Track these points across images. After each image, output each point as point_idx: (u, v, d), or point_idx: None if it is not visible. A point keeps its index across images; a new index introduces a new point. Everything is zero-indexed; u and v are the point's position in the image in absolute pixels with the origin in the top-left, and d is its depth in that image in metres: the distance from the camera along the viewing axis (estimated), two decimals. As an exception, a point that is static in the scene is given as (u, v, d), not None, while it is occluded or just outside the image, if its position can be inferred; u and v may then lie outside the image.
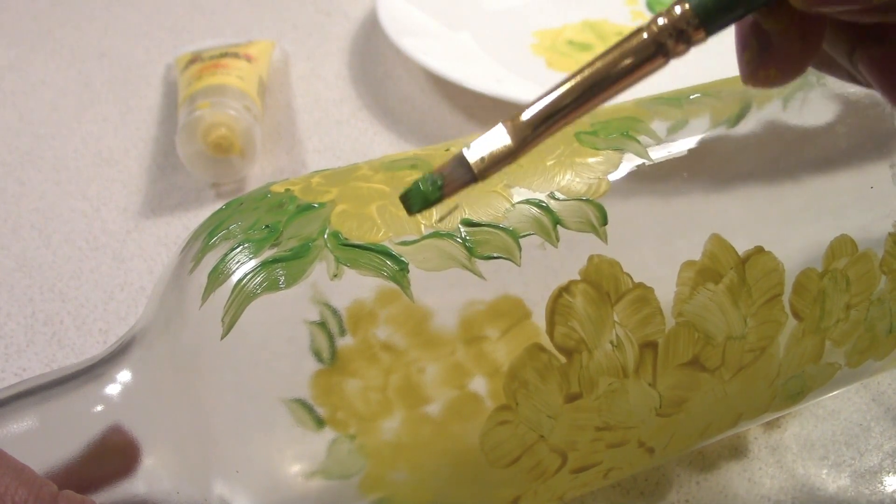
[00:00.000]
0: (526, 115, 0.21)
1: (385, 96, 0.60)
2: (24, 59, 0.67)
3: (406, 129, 0.57)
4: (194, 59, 0.57)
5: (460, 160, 0.22)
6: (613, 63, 0.21)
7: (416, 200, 0.22)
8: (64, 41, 0.69)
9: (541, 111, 0.21)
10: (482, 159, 0.21)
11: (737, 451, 0.35)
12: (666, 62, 0.21)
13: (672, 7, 0.20)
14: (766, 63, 0.21)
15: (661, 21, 0.20)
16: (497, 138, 0.21)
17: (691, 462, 0.35)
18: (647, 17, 0.66)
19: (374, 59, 0.65)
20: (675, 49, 0.20)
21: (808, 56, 0.21)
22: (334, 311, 0.24)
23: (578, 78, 0.21)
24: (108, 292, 0.45)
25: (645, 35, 0.20)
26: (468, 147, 0.22)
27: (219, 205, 0.28)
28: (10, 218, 0.51)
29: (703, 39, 0.20)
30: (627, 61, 0.21)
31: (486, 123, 0.57)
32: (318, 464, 0.24)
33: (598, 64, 0.21)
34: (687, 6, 0.20)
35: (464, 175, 0.22)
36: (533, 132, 0.21)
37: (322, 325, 0.24)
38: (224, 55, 0.57)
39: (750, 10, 0.20)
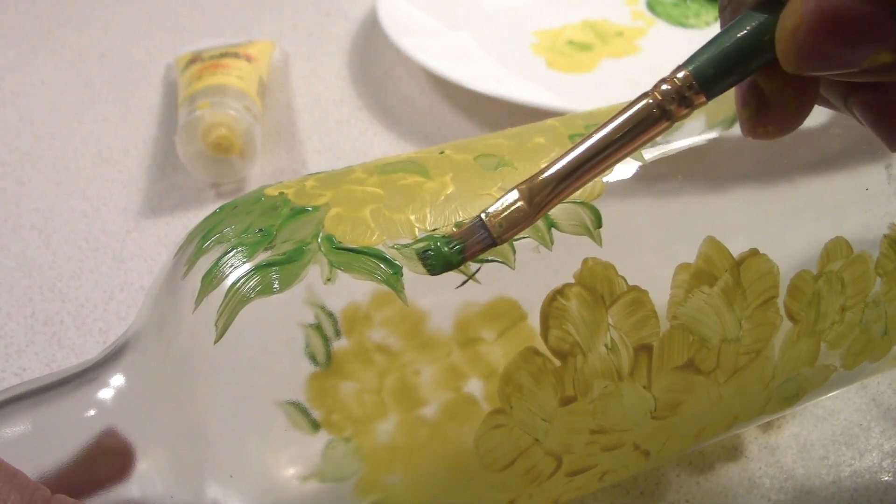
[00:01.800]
0: (538, 180, 0.23)
1: (385, 96, 0.60)
2: (24, 59, 0.67)
3: (406, 129, 0.57)
4: (194, 59, 0.57)
5: (480, 225, 0.23)
6: (620, 129, 0.22)
7: (437, 262, 0.24)
8: (64, 41, 0.69)
9: (552, 175, 0.23)
10: (500, 223, 0.23)
11: (736, 451, 0.35)
12: (671, 125, 0.22)
13: (674, 73, 0.21)
14: (764, 120, 0.22)
15: (664, 87, 0.21)
16: (513, 202, 0.23)
17: (691, 462, 0.35)
18: (646, 16, 0.66)
19: (374, 59, 0.65)
20: (679, 113, 0.22)
21: (804, 112, 0.22)
22: (329, 314, 0.24)
23: (589, 144, 0.22)
24: (108, 292, 0.45)
25: (650, 101, 0.22)
26: (486, 213, 0.23)
27: (218, 205, 0.28)
28: (10, 218, 0.51)
29: (705, 103, 0.22)
30: (634, 127, 0.22)
31: (487, 123, 0.57)
32: (313, 467, 0.24)
33: (607, 130, 0.22)
34: (687, 73, 0.21)
35: (484, 239, 0.23)
36: (547, 197, 0.23)
37: (317, 327, 0.24)
38: (224, 55, 0.57)
39: (746, 75, 0.21)
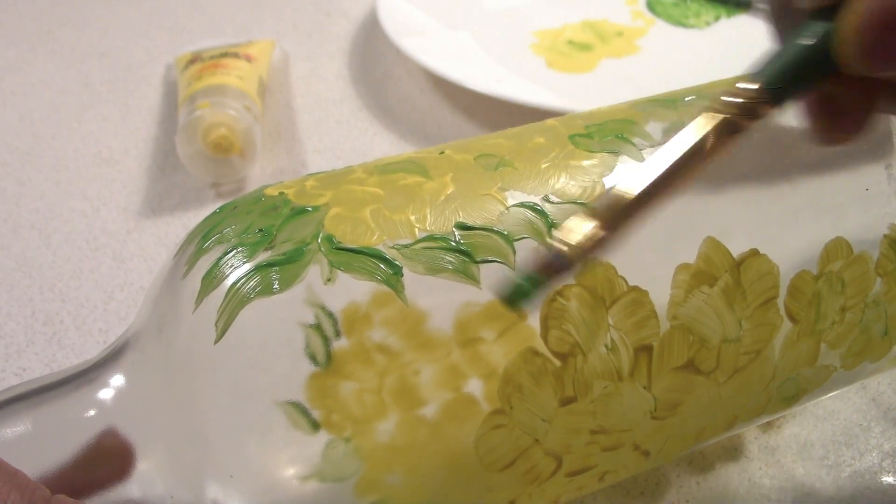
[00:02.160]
0: (613, 209, 0.22)
1: (385, 96, 0.60)
2: (24, 59, 0.67)
3: (406, 129, 0.57)
4: (194, 59, 0.57)
5: (557, 258, 0.22)
6: (697, 149, 0.21)
7: (517, 298, 0.22)
8: (64, 41, 0.69)
9: (633, 203, 0.22)
10: (579, 253, 0.22)
11: (737, 451, 0.35)
12: (741, 136, 0.22)
13: (737, 86, 0.21)
14: (838, 127, 0.22)
15: (733, 101, 0.21)
16: (587, 226, 0.22)
17: (691, 462, 0.35)
18: (647, 16, 0.66)
19: (374, 59, 0.65)
20: (749, 125, 0.21)
21: (872, 110, 0.22)
22: (329, 314, 0.24)
23: (663, 168, 0.22)
24: (108, 292, 0.45)
25: (719, 120, 0.21)
26: (561, 239, 0.22)
27: (218, 205, 0.28)
28: (10, 218, 0.51)
29: (773, 113, 0.21)
30: (709, 144, 0.21)
31: (487, 123, 0.57)
32: (313, 467, 0.24)
33: (681, 152, 0.21)
34: (758, 86, 0.21)
35: (561, 270, 0.22)
36: (624, 221, 0.22)
37: (317, 327, 0.24)
38: (224, 55, 0.57)
39: (815, 81, 0.21)
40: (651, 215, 0.22)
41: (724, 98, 0.21)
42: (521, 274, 0.22)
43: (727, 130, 0.21)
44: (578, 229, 0.22)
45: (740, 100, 0.21)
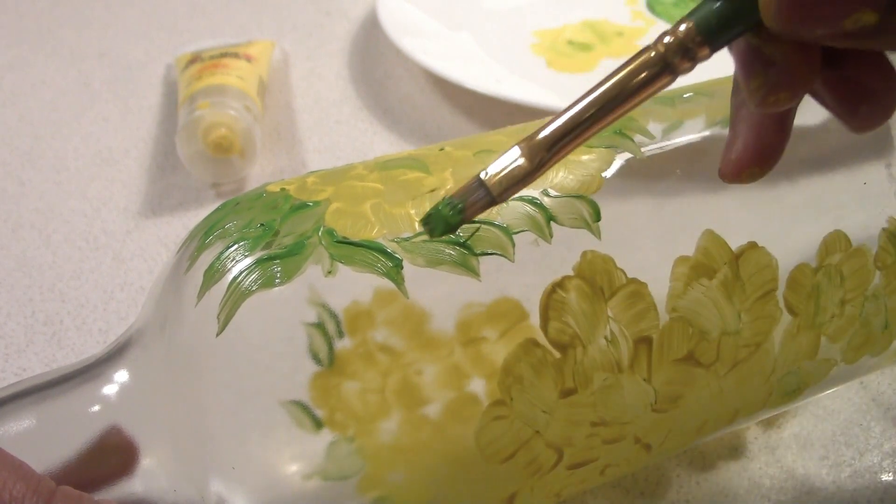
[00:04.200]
0: (540, 136, 0.22)
1: (385, 96, 0.60)
2: (24, 59, 0.67)
3: (406, 129, 0.57)
4: (194, 59, 0.57)
5: (479, 183, 0.22)
6: (623, 82, 0.22)
7: (437, 224, 0.23)
8: (64, 41, 0.69)
9: (554, 132, 0.22)
10: (500, 182, 0.22)
11: (737, 450, 0.35)
12: (673, 79, 0.22)
13: (677, 26, 0.21)
14: (774, 87, 0.22)
15: (667, 39, 0.21)
16: (513, 160, 0.22)
17: (691, 462, 0.35)
18: (647, 16, 0.66)
19: (374, 59, 0.65)
20: (681, 66, 0.21)
21: (813, 73, 0.22)
22: (332, 313, 0.24)
23: (589, 98, 0.22)
24: (108, 292, 0.45)
25: (652, 54, 0.21)
26: (486, 170, 0.22)
27: (218, 205, 0.28)
28: (10, 218, 0.51)
29: (707, 56, 0.21)
30: (637, 79, 0.21)
31: (487, 123, 0.57)
32: (316, 465, 0.24)
33: (609, 83, 0.22)
34: (691, 25, 0.21)
35: (483, 197, 0.22)
36: (548, 153, 0.22)
37: (320, 326, 0.24)
38: (224, 55, 0.57)
39: (749, 26, 0.21)
40: (576, 148, 0.22)
41: (661, 36, 0.21)
42: (449, 204, 0.23)
43: (660, 69, 0.21)
44: (507, 163, 0.22)
45: (673, 38, 0.21)
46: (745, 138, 0.24)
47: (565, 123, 0.22)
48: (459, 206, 0.23)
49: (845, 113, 0.23)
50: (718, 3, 0.21)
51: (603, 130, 0.22)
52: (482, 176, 0.22)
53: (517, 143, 0.22)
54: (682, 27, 0.21)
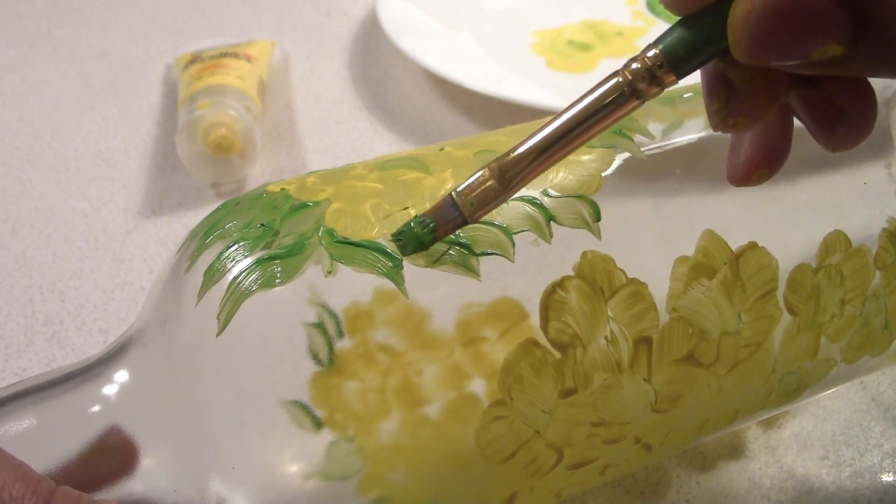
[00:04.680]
0: (510, 157, 0.23)
1: (385, 96, 0.60)
2: (24, 59, 0.67)
3: (406, 129, 0.57)
4: (194, 59, 0.57)
5: (451, 204, 0.23)
6: (592, 107, 0.22)
7: (409, 242, 0.24)
8: (64, 41, 0.69)
9: (525, 153, 0.23)
10: (471, 202, 0.23)
11: (737, 450, 0.35)
12: (641, 104, 0.22)
13: (644, 52, 0.22)
14: (733, 111, 0.22)
15: (634, 66, 0.22)
16: (484, 181, 0.23)
17: (691, 462, 0.35)
18: (647, 16, 0.66)
19: (374, 59, 0.65)
20: (649, 91, 0.22)
21: (773, 101, 0.22)
22: (332, 314, 0.24)
23: (559, 121, 0.22)
24: (108, 292, 0.45)
25: (620, 80, 0.22)
26: (456, 191, 0.23)
27: (218, 205, 0.28)
28: (10, 218, 0.51)
29: (675, 82, 0.22)
30: (604, 104, 0.22)
31: (486, 123, 0.57)
32: (316, 465, 0.24)
33: (577, 108, 0.22)
34: (657, 52, 0.21)
35: (455, 218, 0.23)
36: (517, 175, 0.23)
37: (320, 326, 0.24)
38: (224, 55, 0.57)
39: (715, 54, 0.21)
40: (544, 171, 0.23)
41: (629, 62, 0.22)
42: (421, 223, 0.23)
43: (628, 95, 0.22)
44: (478, 184, 0.23)
45: (640, 65, 0.22)
46: (751, 141, 0.24)
47: (536, 145, 0.23)
48: (431, 224, 0.23)
49: (821, 133, 0.23)
50: (685, 31, 0.21)
51: (602, 132, 0.22)
52: (453, 195, 0.23)
53: (486, 165, 0.23)
54: (650, 53, 0.21)
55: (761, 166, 0.24)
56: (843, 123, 0.22)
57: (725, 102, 0.22)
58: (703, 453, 0.35)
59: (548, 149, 0.22)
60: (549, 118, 0.23)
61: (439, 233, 0.24)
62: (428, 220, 0.24)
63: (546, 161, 0.23)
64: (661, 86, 0.22)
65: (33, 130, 0.59)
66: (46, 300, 0.45)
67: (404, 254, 0.24)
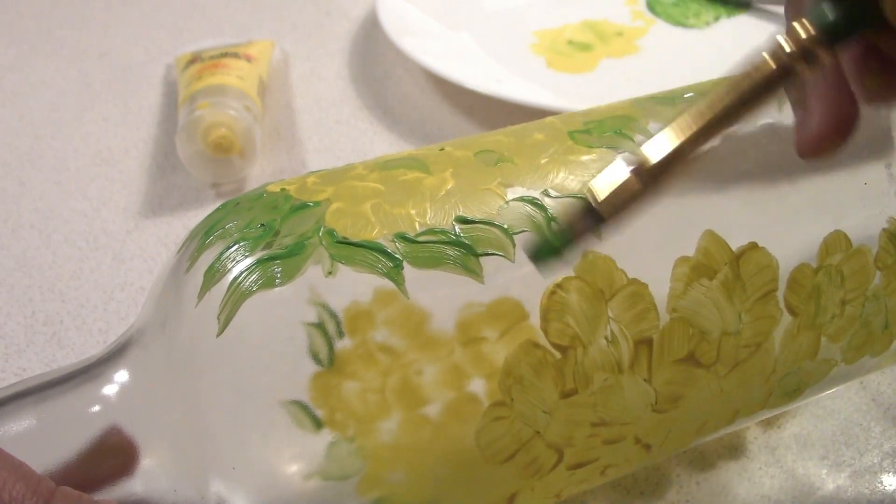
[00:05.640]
0: (656, 157, 0.21)
1: (385, 96, 0.60)
2: (24, 59, 0.67)
3: (406, 129, 0.57)
4: (194, 59, 0.57)
5: (588, 210, 0.21)
6: (745, 96, 0.21)
7: (544, 253, 0.22)
8: (64, 41, 0.69)
9: (672, 153, 0.21)
10: (609, 203, 0.21)
11: (736, 450, 0.35)
12: (788, 85, 0.21)
13: (794, 31, 0.20)
14: (891, 83, 0.21)
15: (787, 47, 0.20)
16: (622, 178, 0.21)
17: (691, 462, 0.35)
18: (647, 16, 0.66)
19: (374, 59, 0.65)
20: (804, 73, 0.21)
21: None
22: (332, 314, 0.24)
23: (709, 116, 0.21)
24: (108, 292, 0.45)
25: (773, 63, 0.20)
26: (593, 191, 0.21)
27: (218, 205, 0.28)
28: (10, 218, 0.51)
29: (829, 60, 0.20)
30: (758, 91, 0.21)
31: (487, 123, 0.57)
32: (316, 465, 0.24)
33: (730, 99, 0.21)
34: (813, 30, 0.20)
35: (592, 223, 0.21)
36: (664, 173, 0.21)
37: (320, 326, 0.24)
38: (224, 55, 0.57)
39: (872, 25, 0.20)
40: (692, 165, 0.21)
41: (779, 40, 0.21)
42: (557, 233, 0.22)
43: (782, 76, 0.21)
44: (615, 181, 0.21)
45: (797, 46, 0.20)
46: (820, 112, 0.23)
47: (684, 144, 0.21)
48: (569, 234, 0.22)
49: (869, 80, 0.22)
50: (840, 5, 0.20)
51: (604, 130, 0.22)
52: (590, 199, 0.21)
53: (630, 166, 0.21)
54: (802, 32, 0.20)
55: (835, 136, 0.23)
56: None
57: (881, 76, 0.21)
58: (703, 453, 0.35)
59: (695, 142, 0.21)
60: (691, 108, 0.21)
61: (577, 239, 0.22)
62: (565, 229, 0.22)
63: (692, 155, 0.21)
64: (818, 64, 0.21)
65: (33, 130, 0.59)
66: (46, 300, 0.45)
67: (538, 264, 0.22)
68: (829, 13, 0.20)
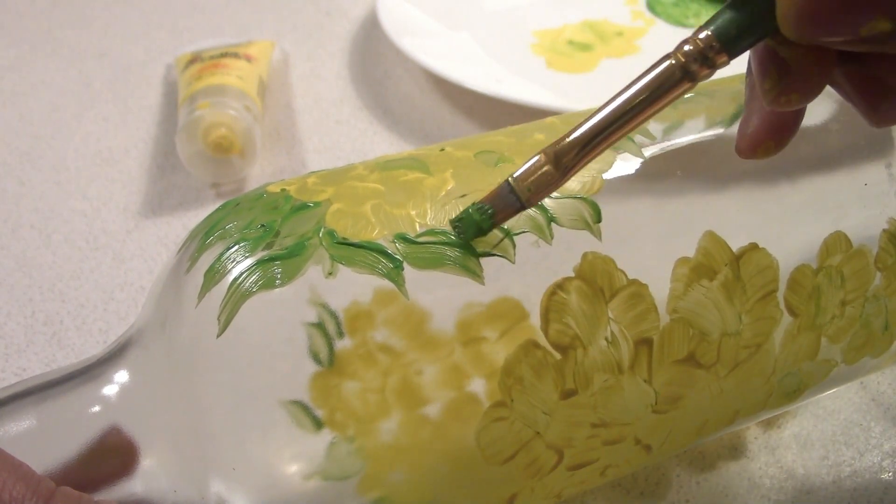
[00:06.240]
0: (564, 143, 0.23)
1: (385, 96, 0.60)
2: (24, 59, 0.67)
3: (406, 129, 0.57)
4: (194, 59, 0.57)
5: (508, 189, 0.24)
6: (645, 90, 0.22)
7: (468, 227, 0.24)
8: (64, 41, 0.69)
9: (578, 138, 0.23)
10: (528, 188, 0.23)
11: (737, 450, 0.35)
12: (693, 86, 0.22)
13: (696, 34, 0.22)
14: (786, 89, 0.22)
15: (686, 48, 0.22)
16: (539, 166, 0.23)
17: (691, 462, 0.35)
18: (647, 16, 0.66)
19: (374, 59, 0.65)
20: (701, 73, 0.22)
21: (824, 77, 0.22)
22: (332, 314, 0.24)
23: (614, 106, 0.23)
24: (108, 292, 0.45)
25: (672, 62, 0.22)
26: (513, 177, 0.24)
27: (218, 205, 0.28)
28: (10, 218, 0.51)
29: (726, 63, 0.22)
30: (657, 87, 0.22)
31: (487, 123, 0.57)
32: (316, 465, 0.24)
33: (630, 92, 0.23)
34: (709, 33, 0.22)
35: (513, 203, 0.24)
36: (573, 159, 0.23)
37: (320, 326, 0.24)
38: (224, 55, 0.57)
39: (766, 33, 0.22)
40: (599, 154, 0.23)
41: (681, 45, 0.22)
42: (480, 209, 0.24)
43: (680, 77, 0.22)
44: (534, 169, 0.23)
45: (692, 47, 0.22)
46: (760, 114, 0.24)
47: (591, 129, 0.23)
48: (490, 210, 0.24)
49: (867, 108, 0.23)
50: (736, 12, 0.21)
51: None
52: (510, 181, 0.23)
53: (542, 150, 0.23)
54: (702, 35, 0.22)
55: (768, 139, 0.24)
56: (889, 99, 0.23)
57: (778, 80, 0.22)
58: (703, 453, 0.35)
59: (602, 132, 0.23)
60: (604, 102, 0.23)
61: (498, 218, 0.24)
62: (486, 207, 0.24)
63: (600, 144, 0.23)
64: (714, 67, 0.22)
65: (33, 130, 0.59)
66: (46, 300, 0.45)
67: (465, 240, 0.25)
68: (726, 20, 0.22)
